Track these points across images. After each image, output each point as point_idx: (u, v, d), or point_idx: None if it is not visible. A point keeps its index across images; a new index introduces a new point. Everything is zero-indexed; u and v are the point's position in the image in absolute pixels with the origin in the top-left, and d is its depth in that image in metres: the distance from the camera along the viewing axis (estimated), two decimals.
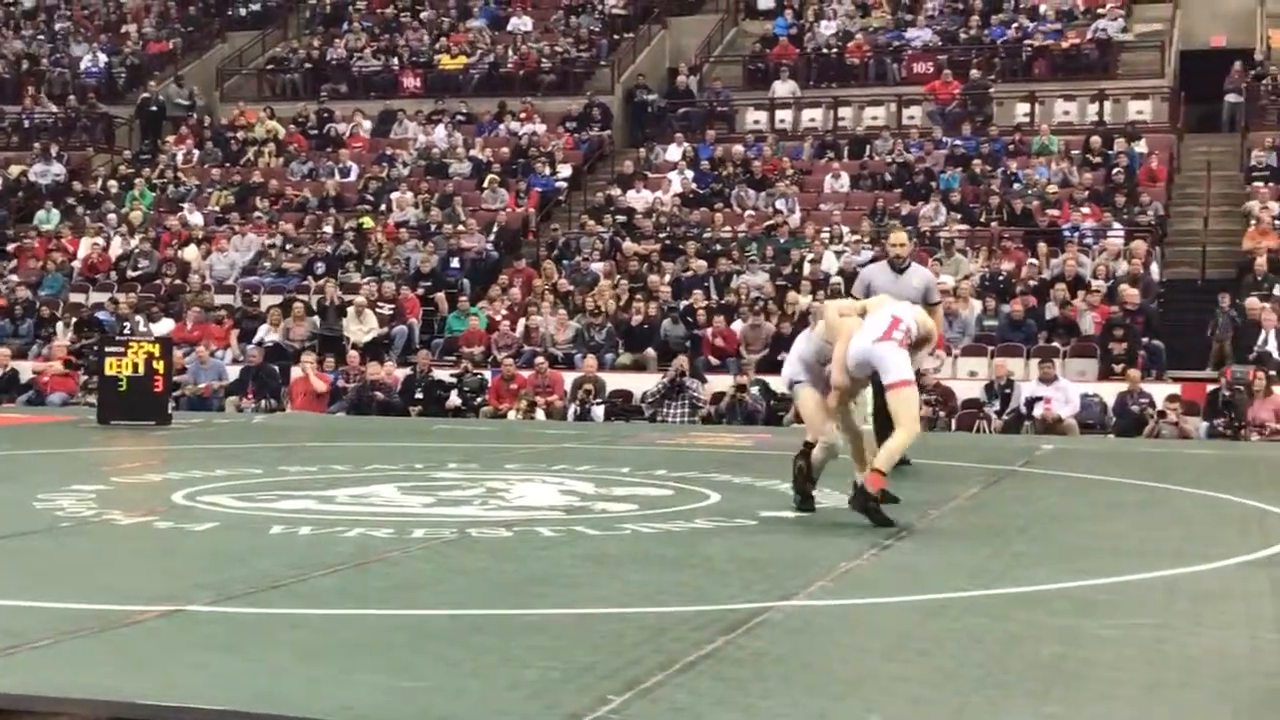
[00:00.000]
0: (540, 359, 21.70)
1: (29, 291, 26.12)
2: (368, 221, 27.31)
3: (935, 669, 5.83)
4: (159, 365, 18.59)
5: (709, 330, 22.50)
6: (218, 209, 29.04)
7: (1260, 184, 25.59)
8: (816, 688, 5.54)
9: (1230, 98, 28.83)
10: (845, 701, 5.33)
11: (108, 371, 18.62)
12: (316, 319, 23.86)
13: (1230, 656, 6.12)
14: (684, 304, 23.19)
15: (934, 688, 5.53)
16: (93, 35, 37.22)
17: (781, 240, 25.26)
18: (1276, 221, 24.11)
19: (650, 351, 22.51)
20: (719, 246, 25.29)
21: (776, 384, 20.44)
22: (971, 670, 5.78)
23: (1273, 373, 20.04)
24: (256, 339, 23.50)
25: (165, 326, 23.68)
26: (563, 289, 24.17)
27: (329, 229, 27.29)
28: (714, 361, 22.11)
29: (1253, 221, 24.23)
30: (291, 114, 32.37)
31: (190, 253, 27.28)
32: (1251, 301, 21.39)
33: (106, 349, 19.04)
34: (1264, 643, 6.35)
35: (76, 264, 27.58)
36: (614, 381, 21.90)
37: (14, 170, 31.49)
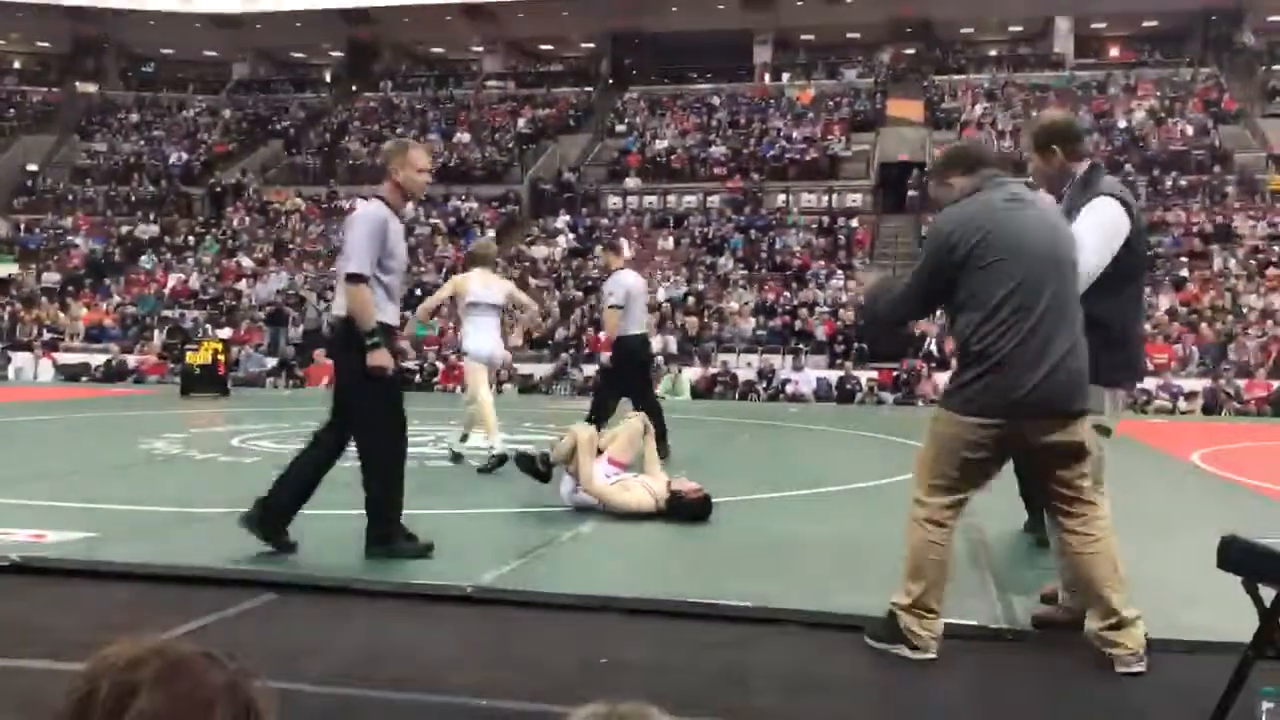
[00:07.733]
0: None
1: (134, 308, 25.66)
2: None
3: (689, 555, 5.70)
4: (221, 357, 18.50)
5: (589, 334, 22.71)
6: (261, 255, 28.70)
7: None
8: (634, 563, 5.66)
9: (911, 193, 29.58)
10: (641, 574, 5.47)
11: (188, 360, 18.50)
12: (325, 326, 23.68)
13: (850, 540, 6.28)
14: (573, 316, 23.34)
15: (688, 568, 5.44)
16: (178, 140, 36.45)
17: None
18: None
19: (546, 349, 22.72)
20: (590, 282, 25.57)
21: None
22: (721, 552, 5.76)
23: (932, 364, 20.77)
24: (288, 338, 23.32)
25: (226, 332, 23.45)
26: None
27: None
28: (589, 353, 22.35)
29: None
30: (311, 194, 32.02)
31: (242, 284, 26.97)
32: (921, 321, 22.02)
33: (186, 346, 18.89)
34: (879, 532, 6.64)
35: (167, 290, 27.13)
36: (523, 368, 22.04)
37: (125, 229, 30.84)
